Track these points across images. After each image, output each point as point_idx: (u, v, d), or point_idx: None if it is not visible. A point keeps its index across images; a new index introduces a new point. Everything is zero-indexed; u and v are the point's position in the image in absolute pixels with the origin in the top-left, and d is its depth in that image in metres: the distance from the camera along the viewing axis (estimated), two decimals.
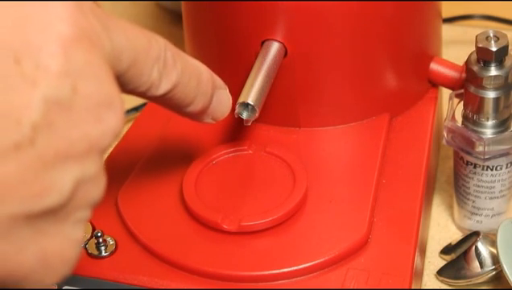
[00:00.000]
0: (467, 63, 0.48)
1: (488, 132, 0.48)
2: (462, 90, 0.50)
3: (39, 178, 0.27)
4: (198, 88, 0.38)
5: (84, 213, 0.29)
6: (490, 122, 0.48)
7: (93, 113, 0.28)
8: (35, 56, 0.27)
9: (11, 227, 0.27)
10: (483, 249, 0.49)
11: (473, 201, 0.52)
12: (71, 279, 0.43)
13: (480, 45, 0.47)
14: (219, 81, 0.40)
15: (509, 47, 0.47)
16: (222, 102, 0.41)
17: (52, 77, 0.27)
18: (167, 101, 0.36)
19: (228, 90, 0.41)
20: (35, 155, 0.26)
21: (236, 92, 0.45)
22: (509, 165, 0.50)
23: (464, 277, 0.49)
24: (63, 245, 0.29)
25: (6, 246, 0.27)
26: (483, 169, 0.50)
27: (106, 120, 0.29)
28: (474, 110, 0.48)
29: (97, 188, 0.29)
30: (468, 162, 0.50)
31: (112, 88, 0.29)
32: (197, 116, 0.40)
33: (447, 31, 0.60)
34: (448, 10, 0.63)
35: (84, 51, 0.28)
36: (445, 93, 0.56)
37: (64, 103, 0.27)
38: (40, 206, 0.27)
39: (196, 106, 0.38)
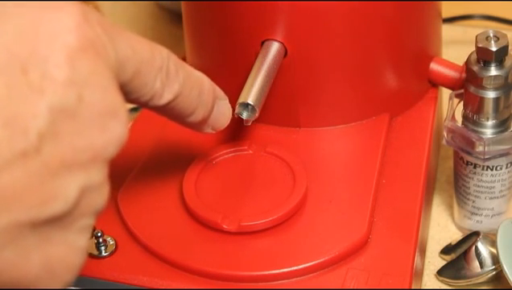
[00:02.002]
0: (467, 63, 0.48)
1: (488, 132, 0.48)
2: (462, 90, 0.50)
3: (44, 186, 0.27)
4: (199, 98, 0.38)
5: (88, 221, 0.30)
6: (490, 122, 0.48)
7: (98, 121, 0.28)
8: (42, 66, 0.27)
9: (17, 235, 0.27)
10: (483, 249, 0.49)
11: (473, 201, 0.52)
12: None
13: (480, 45, 0.47)
14: (220, 92, 0.41)
15: (510, 47, 0.47)
16: (222, 113, 0.41)
17: (58, 86, 0.27)
18: (168, 111, 0.37)
19: (228, 101, 0.42)
20: (40, 163, 0.27)
21: (236, 92, 0.45)
22: (509, 165, 0.50)
23: (464, 277, 0.49)
24: (67, 252, 0.29)
25: (11, 254, 0.27)
26: (483, 169, 0.50)
27: (111, 129, 0.29)
28: (474, 110, 0.48)
29: (100, 197, 0.30)
30: (468, 162, 0.50)
31: (116, 97, 0.29)
32: (198, 126, 0.41)
33: (447, 31, 0.60)
34: (448, 10, 0.63)
35: (89, 61, 0.28)
36: (445, 93, 0.56)
37: (70, 112, 0.27)
38: (46, 214, 0.27)
39: (197, 116, 0.39)
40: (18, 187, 0.26)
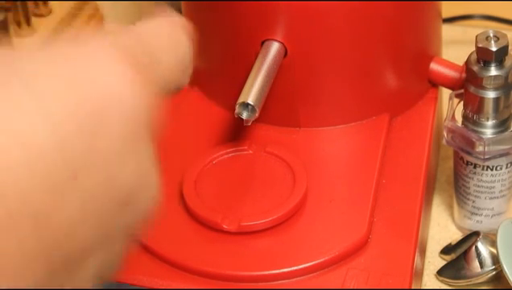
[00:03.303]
0: (467, 63, 0.48)
1: (488, 132, 0.48)
2: (462, 90, 0.50)
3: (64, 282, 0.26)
4: None
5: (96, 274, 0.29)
6: (490, 122, 0.48)
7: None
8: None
9: None
10: (483, 249, 0.49)
11: (473, 201, 0.52)
12: None
13: (480, 45, 0.47)
14: None
15: (510, 47, 0.47)
16: None
17: None
18: None
19: None
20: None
21: (236, 92, 0.45)
22: (509, 165, 0.50)
23: (464, 277, 0.49)
24: None
25: None
26: (483, 169, 0.50)
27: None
28: (474, 110, 0.48)
29: (113, 265, 0.30)
30: (468, 162, 0.50)
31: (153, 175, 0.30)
32: None
33: (447, 31, 0.60)
34: (448, 10, 0.63)
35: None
36: (445, 93, 0.56)
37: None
38: None
39: None
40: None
